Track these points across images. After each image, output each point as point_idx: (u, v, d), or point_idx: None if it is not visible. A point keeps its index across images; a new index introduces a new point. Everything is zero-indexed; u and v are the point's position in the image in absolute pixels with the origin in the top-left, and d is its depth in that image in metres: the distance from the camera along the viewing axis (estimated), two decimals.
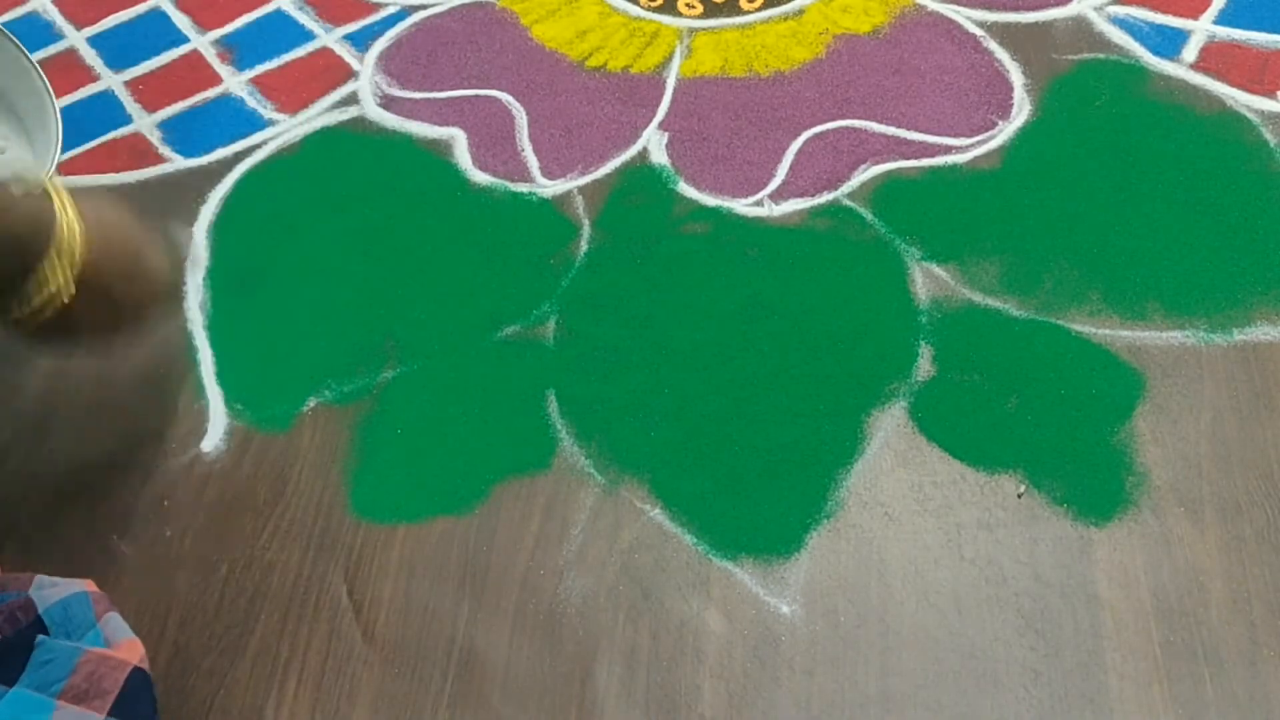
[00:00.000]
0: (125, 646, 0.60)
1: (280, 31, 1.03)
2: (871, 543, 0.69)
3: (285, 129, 0.95)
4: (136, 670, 0.58)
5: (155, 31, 1.04)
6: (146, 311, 0.66)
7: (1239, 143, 0.86)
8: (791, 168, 0.88)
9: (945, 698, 0.63)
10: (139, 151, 0.95)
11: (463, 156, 0.92)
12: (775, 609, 0.67)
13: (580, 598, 0.68)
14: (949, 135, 0.89)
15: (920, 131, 0.90)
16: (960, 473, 0.72)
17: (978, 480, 0.71)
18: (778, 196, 0.87)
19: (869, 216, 0.85)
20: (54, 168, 0.82)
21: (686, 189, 0.88)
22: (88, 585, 0.65)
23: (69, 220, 0.58)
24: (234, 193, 0.91)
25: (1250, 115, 0.88)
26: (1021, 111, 0.90)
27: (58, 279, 0.57)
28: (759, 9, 1.01)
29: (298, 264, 0.86)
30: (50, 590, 0.63)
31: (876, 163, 0.88)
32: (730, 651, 0.66)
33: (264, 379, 0.80)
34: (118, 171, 0.93)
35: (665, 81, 0.96)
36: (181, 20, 1.04)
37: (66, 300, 0.58)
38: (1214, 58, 0.92)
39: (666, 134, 0.92)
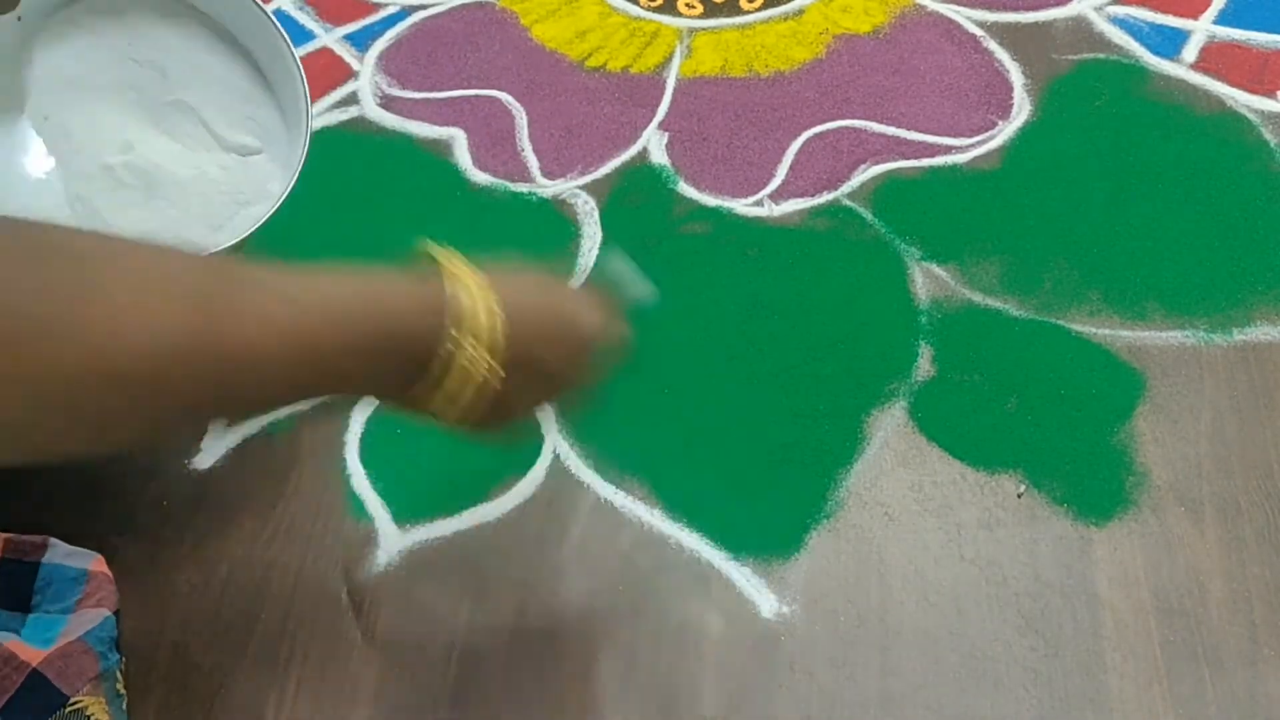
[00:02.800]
0: (63, 642, 0.60)
1: None
2: (871, 543, 0.69)
3: None
4: (34, 673, 0.58)
5: None
6: (580, 367, 0.57)
7: (1239, 143, 0.86)
8: (791, 168, 0.88)
9: (945, 698, 0.63)
10: None
11: (463, 156, 0.92)
12: (775, 609, 0.67)
13: (580, 598, 0.68)
14: (949, 135, 0.89)
15: (920, 131, 0.90)
16: (960, 473, 0.72)
17: (978, 480, 0.71)
18: (778, 196, 0.87)
19: (869, 216, 0.85)
20: (304, 155, 0.75)
21: (686, 189, 0.88)
22: (95, 565, 0.65)
23: (475, 295, 0.50)
24: None
25: (1250, 115, 0.88)
26: (1021, 111, 0.90)
27: (480, 369, 0.50)
28: (759, 9, 1.01)
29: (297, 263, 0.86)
30: (63, 550, 0.64)
31: (876, 163, 0.88)
32: (730, 651, 0.66)
33: None
34: None
35: (665, 81, 0.96)
36: None
37: (498, 385, 0.51)
38: (1214, 58, 0.92)
39: (666, 134, 0.92)
